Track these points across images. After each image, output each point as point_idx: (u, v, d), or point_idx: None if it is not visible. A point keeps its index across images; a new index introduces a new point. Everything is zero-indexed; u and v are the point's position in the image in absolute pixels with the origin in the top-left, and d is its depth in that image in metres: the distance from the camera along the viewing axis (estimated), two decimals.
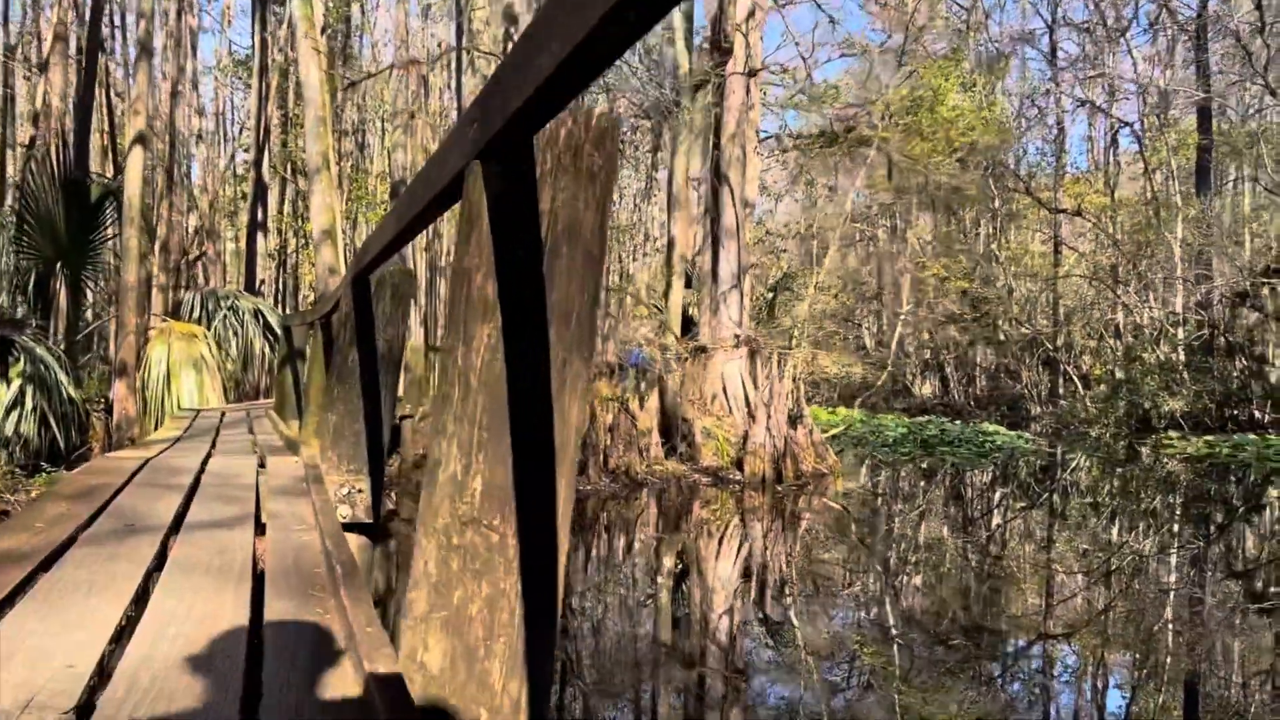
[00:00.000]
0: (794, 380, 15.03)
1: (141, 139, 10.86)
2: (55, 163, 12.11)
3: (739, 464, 13.86)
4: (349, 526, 3.57)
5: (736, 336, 15.37)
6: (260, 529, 2.65)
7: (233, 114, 29.82)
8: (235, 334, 13.04)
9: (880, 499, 13.83)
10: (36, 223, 12.23)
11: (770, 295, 19.59)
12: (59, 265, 12.58)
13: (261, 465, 4.07)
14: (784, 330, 17.57)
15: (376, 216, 30.99)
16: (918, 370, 29.69)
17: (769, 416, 13.84)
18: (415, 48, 28.96)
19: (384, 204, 30.96)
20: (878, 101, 17.84)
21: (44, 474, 10.08)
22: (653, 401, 15.12)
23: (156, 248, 15.42)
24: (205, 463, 3.88)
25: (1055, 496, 13.83)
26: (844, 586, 7.78)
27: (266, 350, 13.26)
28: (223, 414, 8.73)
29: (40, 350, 10.49)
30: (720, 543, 9.94)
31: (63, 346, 12.54)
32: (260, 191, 22.79)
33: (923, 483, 15.95)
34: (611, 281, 29.26)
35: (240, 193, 32.10)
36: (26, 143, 16.25)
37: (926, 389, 32.04)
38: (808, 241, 22.69)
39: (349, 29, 29.67)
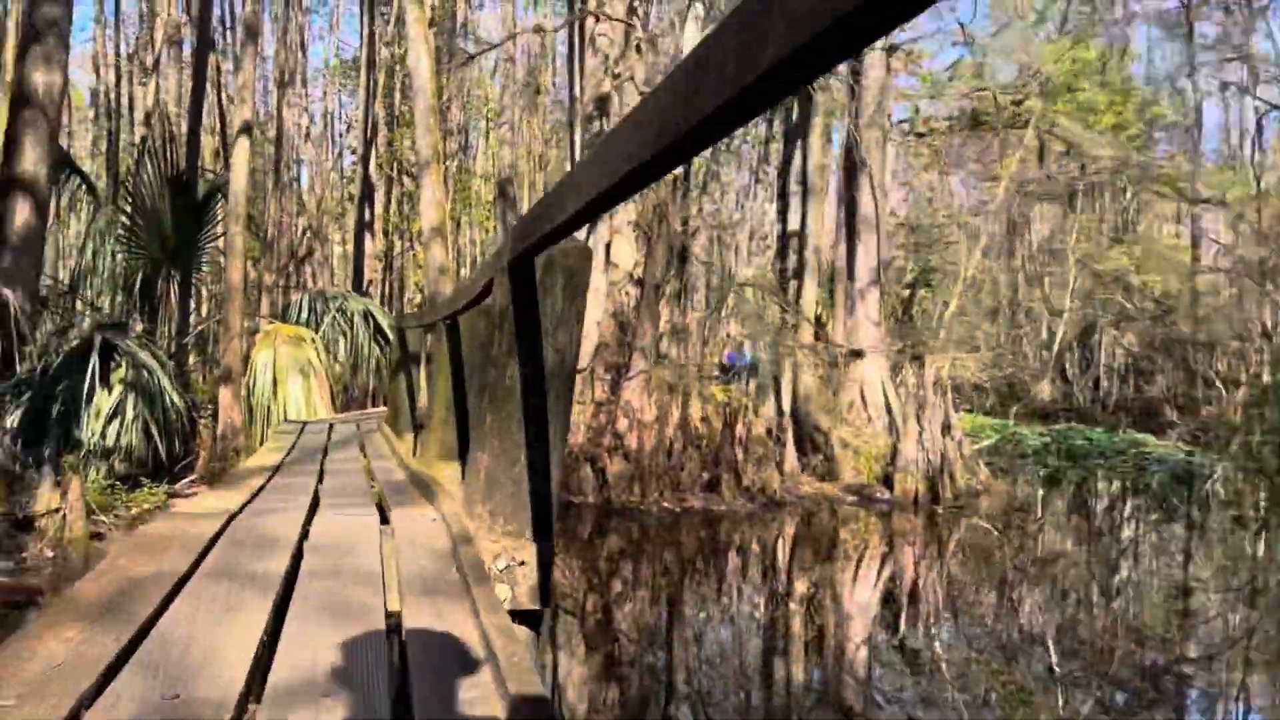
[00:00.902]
0: (942, 386, 13.47)
1: (247, 129, 10.14)
2: (163, 160, 11.56)
3: (886, 481, 12.43)
4: (510, 614, 2.38)
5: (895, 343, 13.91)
6: (403, 684, 1.51)
7: (340, 112, 29.69)
8: (344, 336, 12.29)
9: (1064, 528, 12.16)
10: (144, 221, 11.70)
11: (907, 293, 18.02)
12: (167, 265, 12.05)
13: (384, 521, 2.97)
14: (925, 330, 15.98)
15: (481, 217, 30.49)
16: (1057, 371, 27.49)
17: (920, 428, 12.35)
18: (519, 41, 28.29)
19: (488, 205, 30.47)
20: (1030, 83, 16.08)
21: (145, 488, 9.43)
22: (767, 408, 13.85)
23: (264, 247, 14.88)
24: (308, 524, 2.79)
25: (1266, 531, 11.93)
26: (1067, 654, 6.31)
27: (376, 353, 12.48)
28: (330, 427, 7.83)
29: (144, 355, 9.86)
30: (891, 581, 8.57)
31: (170, 350, 12.00)
32: (367, 191, 22.36)
33: (1102, 507, 14.16)
34: (711, 281, 27.99)
35: (347, 194, 32.09)
36: (138, 142, 15.96)
37: (1047, 392, 29.64)
38: (938, 233, 20.98)
39: (454, 26, 29.20)
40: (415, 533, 2.72)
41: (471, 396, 3.32)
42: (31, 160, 11.46)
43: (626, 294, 12.25)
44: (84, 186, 11.82)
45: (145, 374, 9.74)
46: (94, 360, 9.21)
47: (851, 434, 13.76)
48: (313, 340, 11.06)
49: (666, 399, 11.45)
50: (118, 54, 20.41)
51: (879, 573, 9.08)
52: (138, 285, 11.71)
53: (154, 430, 9.51)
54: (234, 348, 10.16)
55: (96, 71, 24.59)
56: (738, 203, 32.99)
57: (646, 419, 11.16)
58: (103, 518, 7.75)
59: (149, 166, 11.53)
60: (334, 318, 12.17)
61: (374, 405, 13.68)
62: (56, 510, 6.97)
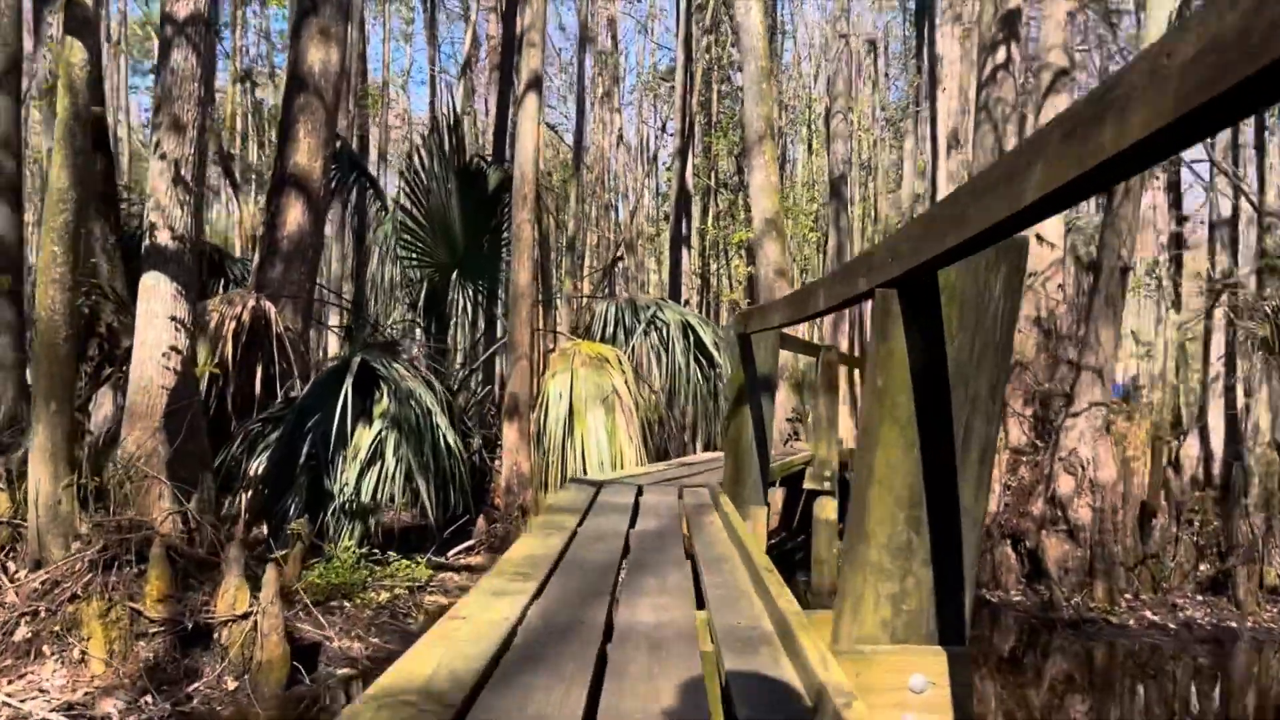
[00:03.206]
0: None
1: (536, 82, 7.68)
2: (448, 147, 9.57)
3: None
4: None
5: None
6: None
7: (654, 118, 27.99)
8: (658, 357, 9.56)
9: None
10: (427, 221, 9.76)
11: None
12: (457, 273, 10.04)
13: None
14: None
15: (805, 229, 27.28)
16: None
17: None
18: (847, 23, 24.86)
19: (811, 215, 27.23)
20: None
21: (398, 562, 7.13)
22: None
23: (565, 248, 12.64)
24: None
25: None
26: None
27: (698, 377, 9.61)
28: (638, 496, 4.89)
29: (412, 383, 7.66)
30: None
31: (459, 376, 9.94)
32: (683, 201, 20.00)
33: None
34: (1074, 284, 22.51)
35: (662, 214, 30.45)
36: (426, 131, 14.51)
37: None
38: None
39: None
40: None
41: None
42: (306, 152, 9.90)
43: (1054, 288, 8.35)
44: (366, 183, 10.16)
45: (413, 406, 7.55)
46: (347, 388, 7.13)
47: None
48: (619, 361, 8.37)
49: (1132, 447, 7.41)
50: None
51: None
52: (421, 298, 9.78)
53: (421, 482, 7.26)
54: (521, 371, 7.68)
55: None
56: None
57: (1104, 478, 7.19)
58: (325, 615, 5.39)
59: (433, 156, 9.56)
60: (645, 332, 9.48)
61: (694, 447, 10.79)
62: (246, 615, 4.61)
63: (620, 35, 27.43)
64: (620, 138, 24.30)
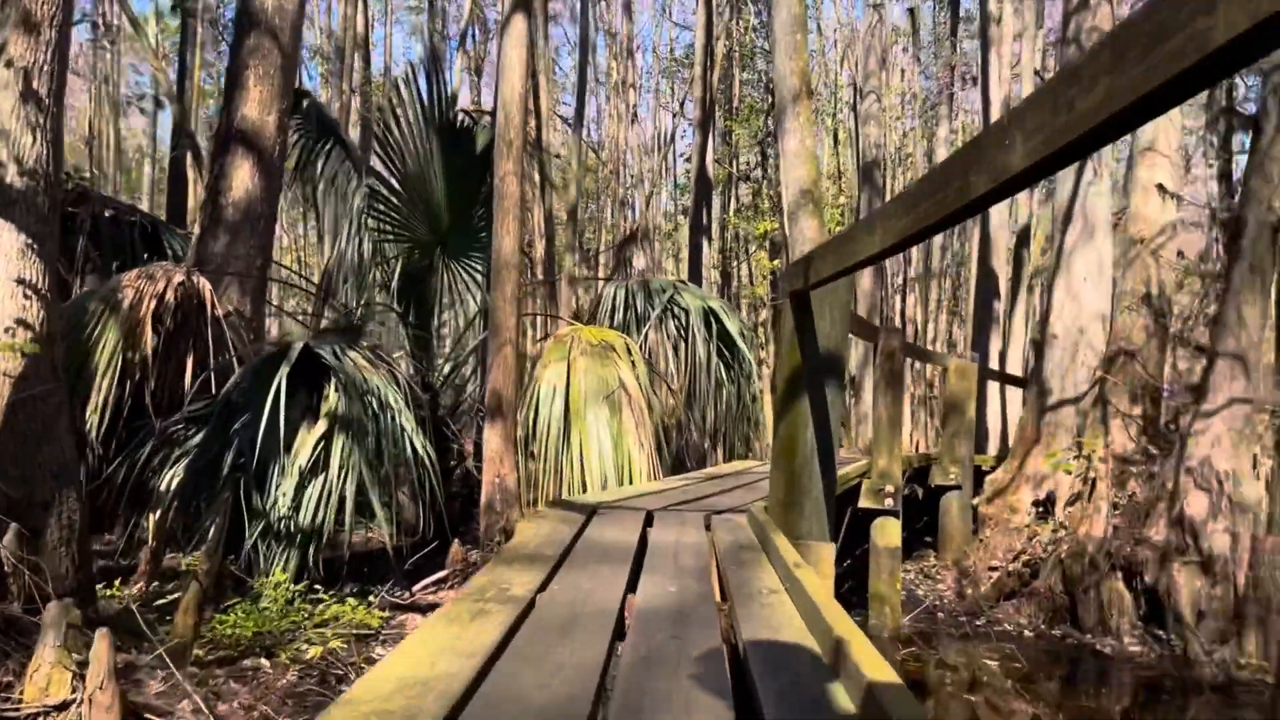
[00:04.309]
0: None
1: (524, 2, 6.18)
2: (428, 99, 8.10)
3: None
4: None
5: None
6: None
7: (672, 101, 26.54)
8: (676, 349, 8.02)
9: None
10: (404, 188, 8.30)
11: None
12: (439, 251, 8.56)
13: None
14: None
15: (833, 224, 25.61)
16: None
17: None
18: None
19: (845, 204, 25.60)
20: None
21: (351, 602, 5.62)
22: None
23: (565, 216, 11.11)
24: None
25: None
26: None
27: (721, 372, 8.06)
28: (647, 524, 3.37)
29: (371, 375, 6.17)
30: None
31: (443, 371, 8.46)
32: (703, 185, 18.47)
33: None
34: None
35: (681, 207, 28.92)
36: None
37: None
38: None
39: None
40: None
41: None
42: (257, 103, 8.47)
43: (1159, 259, 6.75)
44: (341, 149, 8.70)
45: (371, 404, 6.07)
46: (281, 379, 5.66)
47: None
48: (628, 350, 6.85)
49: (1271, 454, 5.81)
50: None
51: None
52: (396, 279, 8.30)
53: (374, 495, 5.78)
54: (505, 360, 6.16)
55: None
56: None
57: (1249, 496, 5.60)
58: (234, 680, 3.89)
59: (409, 108, 8.10)
60: (661, 317, 7.94)
61: (717, 456, 9.23)
62: (64, 706, 3.13)
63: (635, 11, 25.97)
64: (634, 116, 22.77)
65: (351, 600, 5.31)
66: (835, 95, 28.49)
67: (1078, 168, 7.00)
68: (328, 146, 9.13)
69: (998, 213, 13.13)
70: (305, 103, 9.05)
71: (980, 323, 13.28)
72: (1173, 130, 6.64)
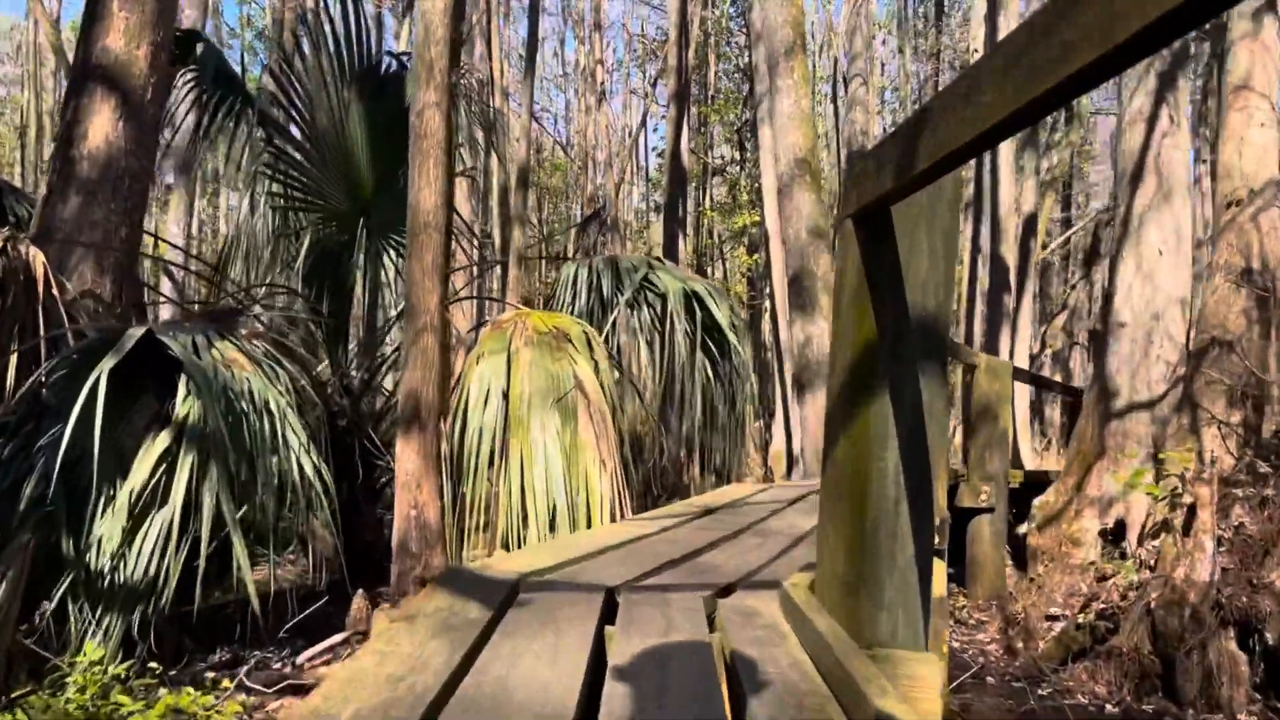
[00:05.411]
0: None
1: None
2: (339, 37, 6.58)
3: None
4: None
5: None
6: None
7: (643, 86, 25.19)
8: (648, 339, 6.50)
9: None
10: (313, 146, 6.75)
11: None
12: (361, 224, 7.02)
13: None
14: None
15: None
16: None
17: None
18: None
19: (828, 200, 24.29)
20: None
21: (189, 691, 4.03)
22: None
23: (515, 183, 9.61)
24: None
25: None
26: None
27: (708, 373, 6.55)
28: (604, 620, 1.84)
29: (244, 374, 4.64)
30: None
31: (360, 371, 6.91)
32: (678, 178, 17.00)
33: None
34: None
35: (653, 205, 27.50)
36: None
37: None
38: None
39: None
40: None
41: None
42: (123, 33, 6.85)
43: (1259, 225, 5.37)
44: (238, 98, 7.14)
45: (242, 413, 4.53)
46: (101, 378, 4.10)
47: None
48: (588, 342, 5.34)
49: None
50: None
51: None
52: (301, 257, 6.73)
53: (236, 537, 4.24)
54: (424, 353, 4.64)
55: None
56: None
57: None
58: None
59: (318, 56, 6.57)
60: (630, 301, 6.43)
61: (694, 471, 7.69)
62: None
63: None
64: (603, 95, 21.31)
65: (190, 690, 3.74)
66: (813, 90, 27.24)
67: (1149, 113, 5.63)
68: (231, 101, 7.56)
69: (1007, 196, 11.82)
70: (200, 48, 7.47)
71: (991, 319, 11.92)
72: (1272, 63, 5.30)
